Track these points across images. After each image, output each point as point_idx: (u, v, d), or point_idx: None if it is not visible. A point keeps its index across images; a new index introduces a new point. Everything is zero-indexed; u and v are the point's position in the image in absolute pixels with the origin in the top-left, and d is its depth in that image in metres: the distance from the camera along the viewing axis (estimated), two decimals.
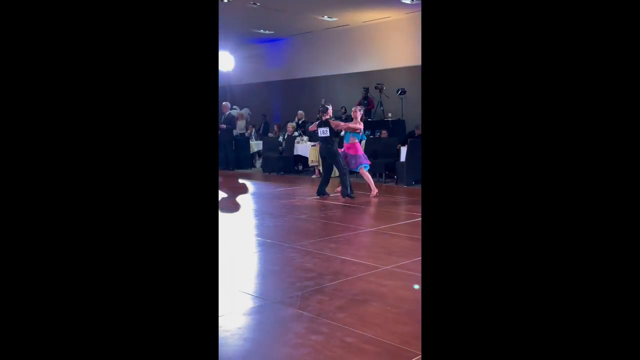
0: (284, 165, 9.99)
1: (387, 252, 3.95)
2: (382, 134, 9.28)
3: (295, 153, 10.05)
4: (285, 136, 10.35)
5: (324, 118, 6.69)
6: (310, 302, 2.80)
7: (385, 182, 8.30)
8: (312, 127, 7.47)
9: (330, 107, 6.85)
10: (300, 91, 13.17)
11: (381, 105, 10.83)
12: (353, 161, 6.78)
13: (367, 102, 11.36)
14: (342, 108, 11.76)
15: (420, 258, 3.86)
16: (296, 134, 10.37)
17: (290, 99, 13.30)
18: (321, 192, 6.77)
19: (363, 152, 7.01)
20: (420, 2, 9.88)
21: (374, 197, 6.69)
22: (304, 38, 12.96)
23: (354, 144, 6.82)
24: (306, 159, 9.73)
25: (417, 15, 10.85)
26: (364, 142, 7.93)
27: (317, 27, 12.10)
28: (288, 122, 11.02)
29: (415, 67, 11.04)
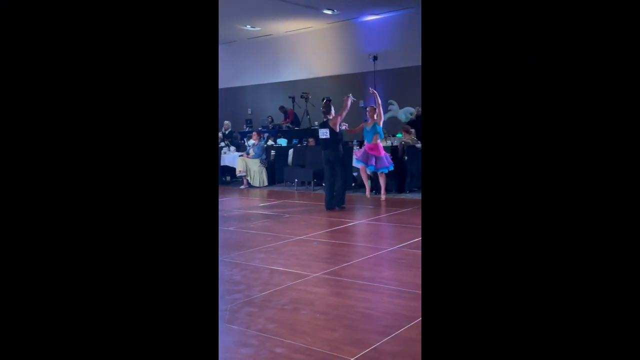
0: None
1: (316, 260, 3.97)
2: (309, 142, 9.36)
3: (222, 164, 9.90)
4: None
5: (325, 119, 6.41)
6: (239, 315, 2.75)
7: (314, 190, 8.36)
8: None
9: (332, 108, 6.43)
10: (226, 101, 13.02)
11: (307, 114, 10.93)
12: (374, 161, 6.70)
13: (286, 114, 11.41)
14: (268, 117, 11.75)
15: (348, 263, 3.91)
16: (223, 144, 10.22)
17: None
18: (332, 205, 6.33)
19: (386, 153, 6.92)
20: (340, 12, 10.13)
21: (383, 200, 6.79)
22: (228, 47, 12.84)
23: (376, 145, 6.73)
24: (234, 169, 9.60)
25: (338, 25, 11.09)
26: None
27: (240, 37, 12.04)
28: None
29: (338, 76, 11.26)
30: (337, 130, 6.29)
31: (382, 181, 6.94)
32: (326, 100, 6.65)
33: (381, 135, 6.87)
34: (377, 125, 6.75)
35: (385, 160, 6.83)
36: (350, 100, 6.39)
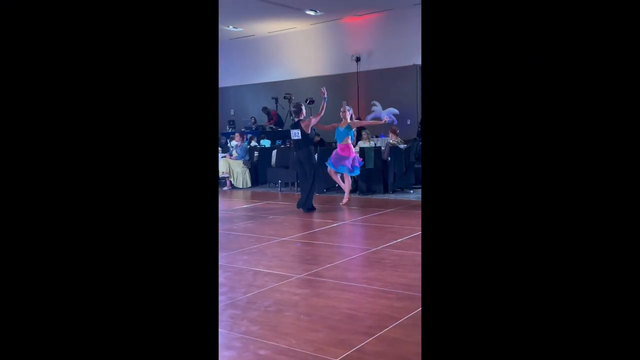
0: None
1: (299, 261, 3.97)
2: (292, 143, 9.34)
3: None
4: None
5: (296, 119, 6.36)
6: (222, 317, 2.73)
7: (297, 192, 8.35)
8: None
9: (303, 107, 6.40)
10: None
11: (291, 115, 10.90)
12: (347, 162, 6.66)
13: (269, 115, 11.39)
14: (251, 118, 11.70)
15: (332, 264, 3.90)
16: None
17: None
18: (306, 206, 6.30)
19: (356, 155, 6.88)
20: (323, 13, 10.14)
21: (344, 204, 6.64)
22: None
23: (347, 145, 6.70)
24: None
25: (321, 26, 11.09)
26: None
27: (223, 37, 11.97)
28: None
29: (321, 77, 11.26)
30: (308, 131, 6.29)
31: (346, 183, 6.87)
32: (308, 101, 6.66)
33: (352, 137, 6.87)
34: (349, 127, 6.78)
35: (356, 162, 6.79)
36: (324, 101, 6.34)
